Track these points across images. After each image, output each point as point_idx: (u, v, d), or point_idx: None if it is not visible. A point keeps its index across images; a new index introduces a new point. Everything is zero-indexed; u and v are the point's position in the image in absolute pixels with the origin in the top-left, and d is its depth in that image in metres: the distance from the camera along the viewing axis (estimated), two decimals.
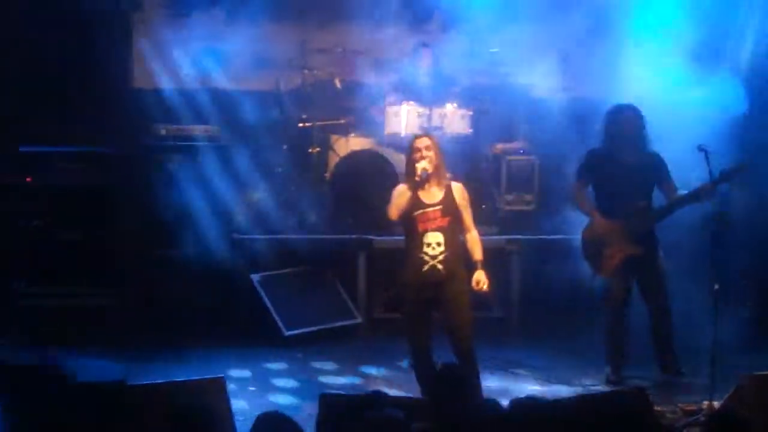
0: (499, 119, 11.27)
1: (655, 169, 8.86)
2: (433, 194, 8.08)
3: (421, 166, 8.01)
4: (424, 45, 11.31)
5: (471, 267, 8.05)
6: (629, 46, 10.44)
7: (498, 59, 11.36)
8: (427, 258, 7.93)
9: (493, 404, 5.70)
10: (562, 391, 8.53)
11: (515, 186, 11.22)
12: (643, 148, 8.89)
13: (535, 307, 10.45)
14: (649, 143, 8.91)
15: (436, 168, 8.09)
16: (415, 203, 8.02)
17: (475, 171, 11.16)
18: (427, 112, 10.78)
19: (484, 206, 10.95)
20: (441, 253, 7.93)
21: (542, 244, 10.62)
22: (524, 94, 11.38)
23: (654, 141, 8.98)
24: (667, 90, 10.11)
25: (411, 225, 8.05)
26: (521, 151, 11.27)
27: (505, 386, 8.66)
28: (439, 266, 7.93)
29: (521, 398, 5.74)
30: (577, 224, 9.26)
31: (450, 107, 10.89)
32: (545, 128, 10.94)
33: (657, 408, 7.29)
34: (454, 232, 8.04)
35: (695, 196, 8.61)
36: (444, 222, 8.01)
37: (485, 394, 7.52)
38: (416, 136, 8.35)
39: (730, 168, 8.55)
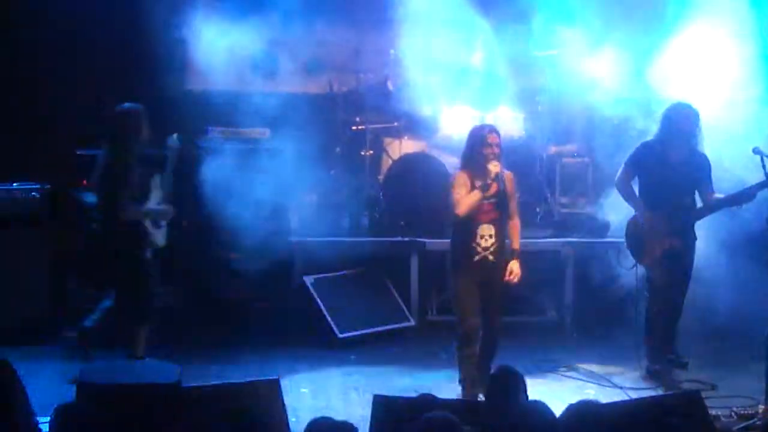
0: (552, 121, 11.23)
1: (701, 170, 9.00)
2: (484, 186, 8.26)
3: (495, 168, 8.22)
4: (478, 49, 11.30)
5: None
6: (687, 47, 10.34)
7: (552, 61, 11.32)
8: (479, 249, 8.23)
9: (541, 406, 5.68)
10: (615, 395, 8.48)
11: (570, 188, 11.17)
12: (695, 147, 9.01)
13: (589, 310, 10.41)
14: (700, 143, 8.99)
15: None
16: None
17: (530, 173, 11.14)
18: (481, 114, 10.77)
19: (538, 209, 10.93)
20: (492, 244, 8.24)
21: (597, 247, 10.57)
22: (578, 96, 11.33)
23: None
24: (728, 90, 10.04)
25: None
26: (575, 154, 11.22)
27: (558, 390, 8.62)
28: (491, 257, 8.25)
29: (577, 403, 5.73)
30: None
31: (503, 110, 10.87)
32: (599, 130, 10.88)
33: (712, 412, 7.23)
34: (503, 223, 8.33)
35: (735, 199, 8.77)
36: (496, 215, 8.29)
37: (539, 398, 7.49)
38: (487, 129, 8.48)
39: None
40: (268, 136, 10.74)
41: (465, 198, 8.23)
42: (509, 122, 10.87)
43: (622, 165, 9.24)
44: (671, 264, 9.01)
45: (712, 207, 8.96)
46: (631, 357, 9.39)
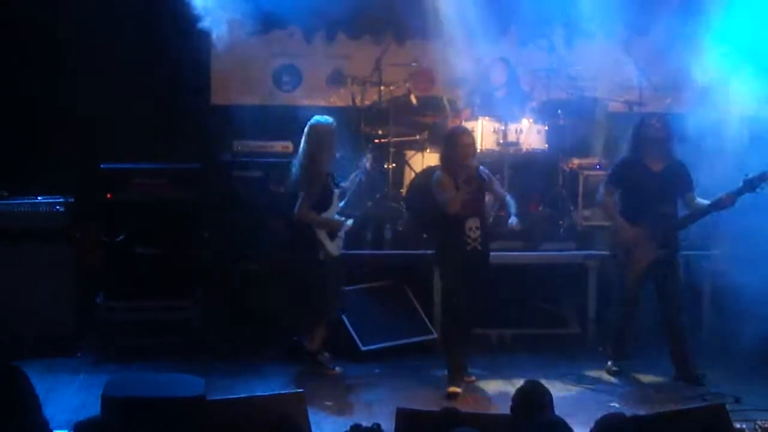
0: (575, 134, 11.22)
1: (680, 178, 9.20)
2: (468, 181, 8.81)
3: (474, 163, 8.84)
4: (500, 60, 11.31)
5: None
6: (707, 60, 10.33)
7: (575, 74, 11.32)
8: (469, 240, 8.87)
9: (561, 423, 5.68)
10: (639, 407, 8.46)
11: (592, 201, 11.15)
12: (670, 156, 9.22)
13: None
14: (676, 152, 9.22)
15: None
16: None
17: (552, 186, 11.13)
18: (503, 127, 10.77)
19: (561, 222, 10.91)
20: (479, 235, 8.87)
21: None
22: (601, 109, 11.33)
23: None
24: (750, 102, 10.04)
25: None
26: (598, 166, 11.19)
27: (582, 403, 8.60)
28: (479, 247, 8.89)
29: (603, 416, 5.73)
30: None
31: (526, 122, 10.87)
32: (622, 143, 10.86)
33: (736, 425, 7.20)
34: (485, 214, 9.01)
35: (716, 205, 8.99)
36: (479, 207, 8.93)
37: (563, 411, 7.48)
38: (462, 130, 9.20)
39: (752, 177, 8.82)
40: (291, 150, 10.74)
41: (455, 196, 8.75)
42: (532, 135, 10.87)
43: (603, 184, 9.52)
44: (657, 275, 9.23)
45: (694, 214, 9.17)
46: (655, 369, 9.40)
